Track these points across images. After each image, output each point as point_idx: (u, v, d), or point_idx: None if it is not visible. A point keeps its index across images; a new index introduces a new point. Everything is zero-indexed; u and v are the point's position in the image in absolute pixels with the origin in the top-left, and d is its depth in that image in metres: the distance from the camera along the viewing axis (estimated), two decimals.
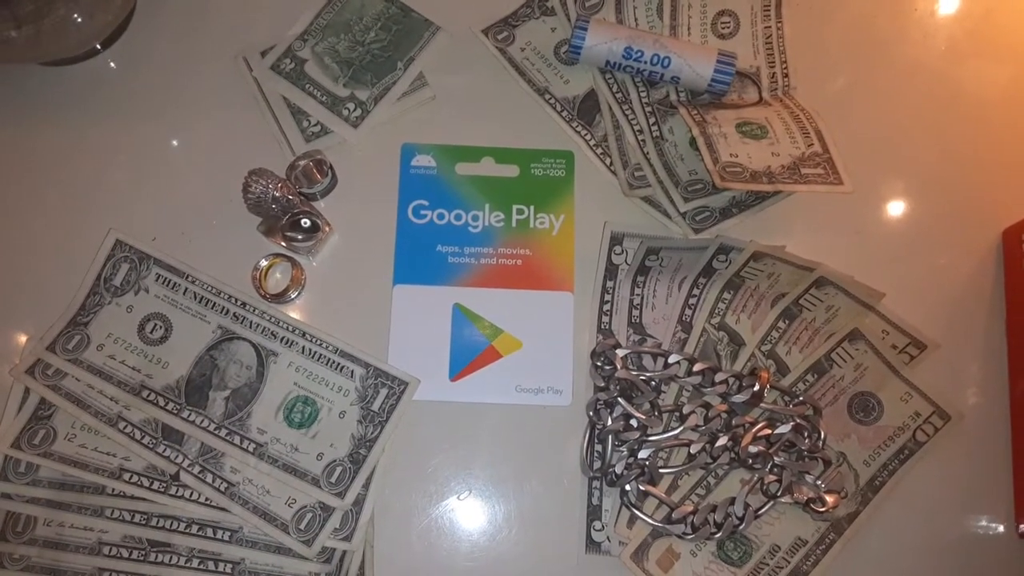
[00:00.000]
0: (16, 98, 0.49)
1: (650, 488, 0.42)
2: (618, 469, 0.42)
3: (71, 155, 0.48)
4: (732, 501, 0.42)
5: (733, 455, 0.43)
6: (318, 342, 0.44)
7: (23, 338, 0.44)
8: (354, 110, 0.48)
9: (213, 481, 0.41)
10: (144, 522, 0.41)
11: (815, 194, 0.45)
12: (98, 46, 0.50)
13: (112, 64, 0.50)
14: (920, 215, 0.48)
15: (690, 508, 0.42)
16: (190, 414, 0.42)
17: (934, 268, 0.47)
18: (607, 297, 0.46)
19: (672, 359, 0.44)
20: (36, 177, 0.47)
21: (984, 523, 0.43)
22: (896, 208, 0.48)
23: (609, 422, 0.42)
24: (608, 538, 0.42)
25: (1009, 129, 0.49)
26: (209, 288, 0.45)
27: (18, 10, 0.44)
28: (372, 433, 0.43)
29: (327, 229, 0.46)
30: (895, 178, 0.48)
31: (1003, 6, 0.52)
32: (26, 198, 0.47)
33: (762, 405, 0.43)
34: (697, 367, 0.43)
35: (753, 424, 0.43)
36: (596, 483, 0.43)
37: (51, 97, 0.49)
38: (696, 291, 0.45)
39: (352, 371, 0.44)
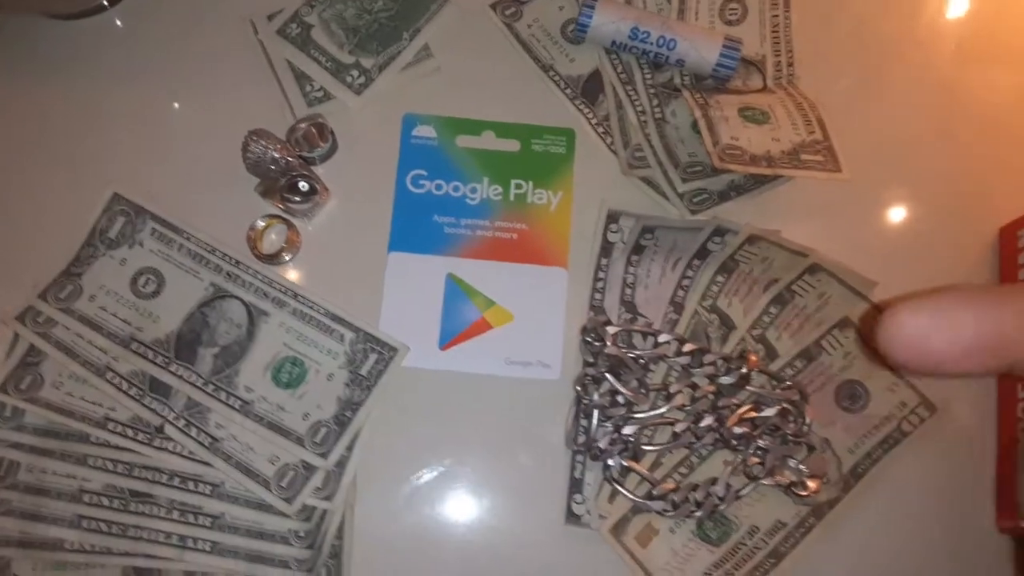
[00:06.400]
0: (21, 51, 0.49)
1: (633, 464, 0.42)
2: (602, 444, 0.42)
3: (74, 109, 0.48)
4: (714, 481, 0.42)
5: (717, 436, 0.43)
6: (310, 304, 0.44)
7: (16, 286, 0.44)
8: (358, 77, 0.49)
9: (197, 435, 0.41)
10: (127, 472, 0.41)
11: (813, 180, 0.45)
12: (105, 2, 0.50)
13: (118, 22, 0.50)
14: (918, 208, 0.48)
15: (672, 486, 0.42)
16: (178, 368, 0.42)
17: (930, 261, 0.47)
18: (601, 274, 0.46)
19: (662, 339, 0.44)
20: (38, 129, 0.48)
21: (964, 515, 0.43)
22: (895, 200, 0.48)
23: (596, 397, 0.42)
24: (588, 511, 0.42)
25: (1011, 129, 0.49)
26: (204, 245, 0.45)
27: None
28: (359, 397, 0.43)
29: (325, 193, 0.46)
30: (895, 170, 0.48)
31: (1010, 9, 0.52)
32: (27, 150, 0.47)
33: (749, 388, 0.43)
34: (686, 348, 0.43)
35: (739, 406, 0.43)
36: (580, 457, 0.43)
37: (57, 51, 0.49)
38: (690, 272, 0.45)
39: (342, 335, 0.44)
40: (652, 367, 0.44)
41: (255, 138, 0.44)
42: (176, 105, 0.49)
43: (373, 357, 0.44)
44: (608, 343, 0.43)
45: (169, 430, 0.41)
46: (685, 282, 0.45)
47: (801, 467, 0.42)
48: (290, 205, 0.45)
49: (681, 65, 0.48)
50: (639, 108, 0.48)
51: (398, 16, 0.50)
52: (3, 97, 0.48)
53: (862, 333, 0.45)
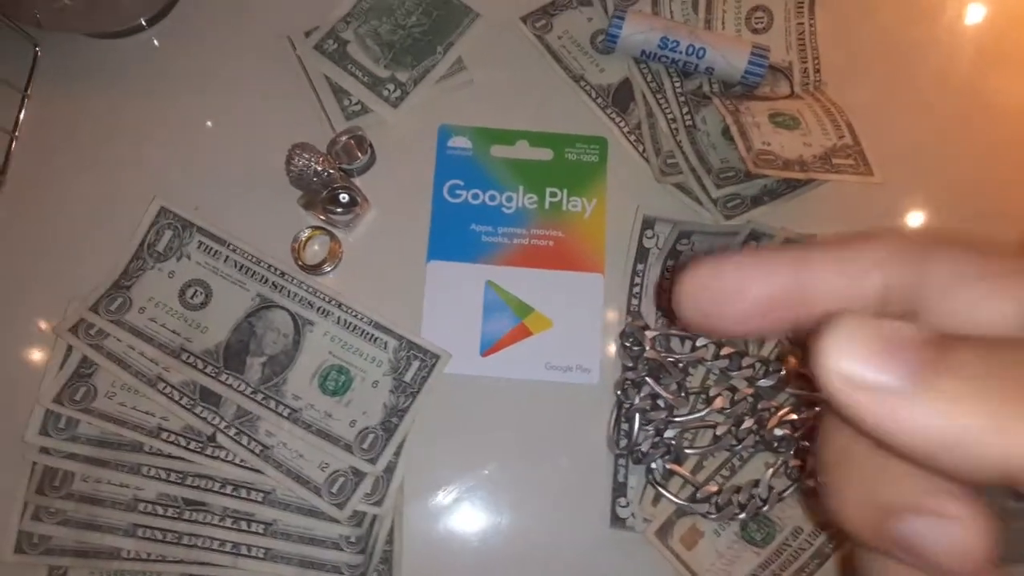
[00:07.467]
0: (68, 68, 0.50)
1: (675, 467, 0.43)
2: (644, 447, 0.43)
3: (119, 125, 0.49)
4: (756, 483, 0.43)
5: (758, 438, 0.43)
6: (353, 313, 0.45)
7: (68, 299, 0.45)
8: (394, 91, 0.50)
9: (248, 443, 0.42)
10: (180, 481, 0.42)
11: (845, 184, 0.45)
12: (143, 22, 0.51)
13: (156, 42, 0.52)
14: (947, 211, 0.48)
15: (715, 488, 0.43)
16: (228, 378, 0.43)
17: None
18: (637, 280, 0.47)
19: (700, 342, 0.44)
20: (84, 145, 0.49)
21: None
22: (925, 203, 0.48)
23: (637, 401, 0.43)
24: (633, 515, 0.43)
25: None
26: (249, 257, 0.46)
27: None
28: (404, 403, 0.43)
29: (365, 205, 0.47)
30: (923, 175, 0.49)
31: None
32: (74, 166, 0.48)
33: (788, 390, 0.44)
34: (724, 351, 0.44)
35: (779, 408, 0.43)
36: (622, 461, 0.44)
37: (101, 69, 0.50)
38: None
39: (385, 343, 0.45)
40: (691, 371, 0.45)
41: (299, 151, 0.45)
42: (217, 121, 0.50)
43: (416, 364, 0.44)
44: (647, 347, 0.44)
45: (220, 439, 0.42)
46: None
47: None
48: (332, 216, 0.46)
49: (710, 73, 0.49)
50: (670, 116, 0.49)
51: (431, 31, 0.51)
52: (52, 113, 0.49)
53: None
